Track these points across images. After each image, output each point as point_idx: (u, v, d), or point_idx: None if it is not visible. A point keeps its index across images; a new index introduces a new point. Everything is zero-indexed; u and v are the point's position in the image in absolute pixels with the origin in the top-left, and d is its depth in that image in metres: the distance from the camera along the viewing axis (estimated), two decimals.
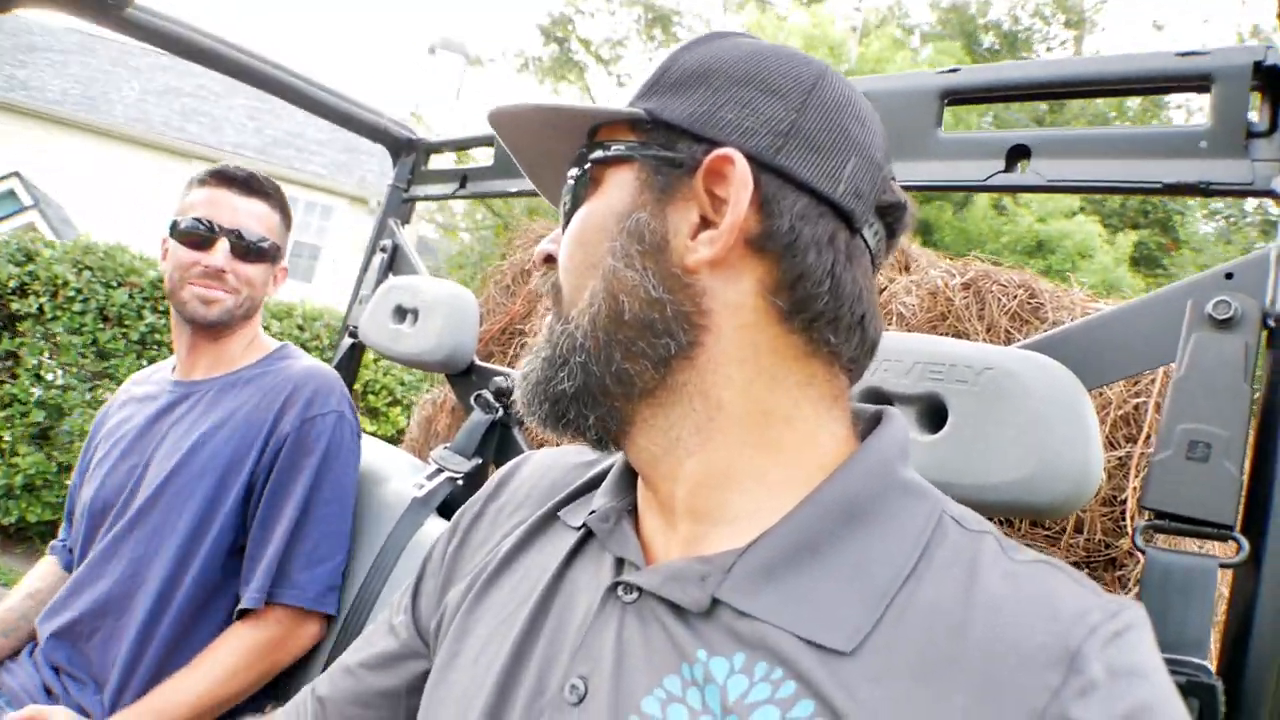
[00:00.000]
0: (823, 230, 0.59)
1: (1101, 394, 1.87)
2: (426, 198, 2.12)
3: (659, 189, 0.61)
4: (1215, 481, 0.82)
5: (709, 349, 0.59)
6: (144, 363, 5.17)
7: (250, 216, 1.57)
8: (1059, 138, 1.10)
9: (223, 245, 1.53)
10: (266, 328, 5.47)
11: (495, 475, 0.88)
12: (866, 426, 0.65)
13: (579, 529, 0.70)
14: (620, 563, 0.64)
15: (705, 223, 0.60)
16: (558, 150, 0.70)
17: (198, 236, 1.52)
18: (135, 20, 1.56)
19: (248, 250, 1.55)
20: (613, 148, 0.63)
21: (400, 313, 1.76)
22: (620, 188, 0.63)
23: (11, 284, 4.83)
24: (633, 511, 0.69)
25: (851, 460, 0.59)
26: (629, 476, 0.71)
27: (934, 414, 0.93)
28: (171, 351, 1.68)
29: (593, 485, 0.76)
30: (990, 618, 0.50)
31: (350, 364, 2.04)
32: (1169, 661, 0.59)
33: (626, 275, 0.60)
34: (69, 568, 1.64)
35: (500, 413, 1.64)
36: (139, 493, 1.47)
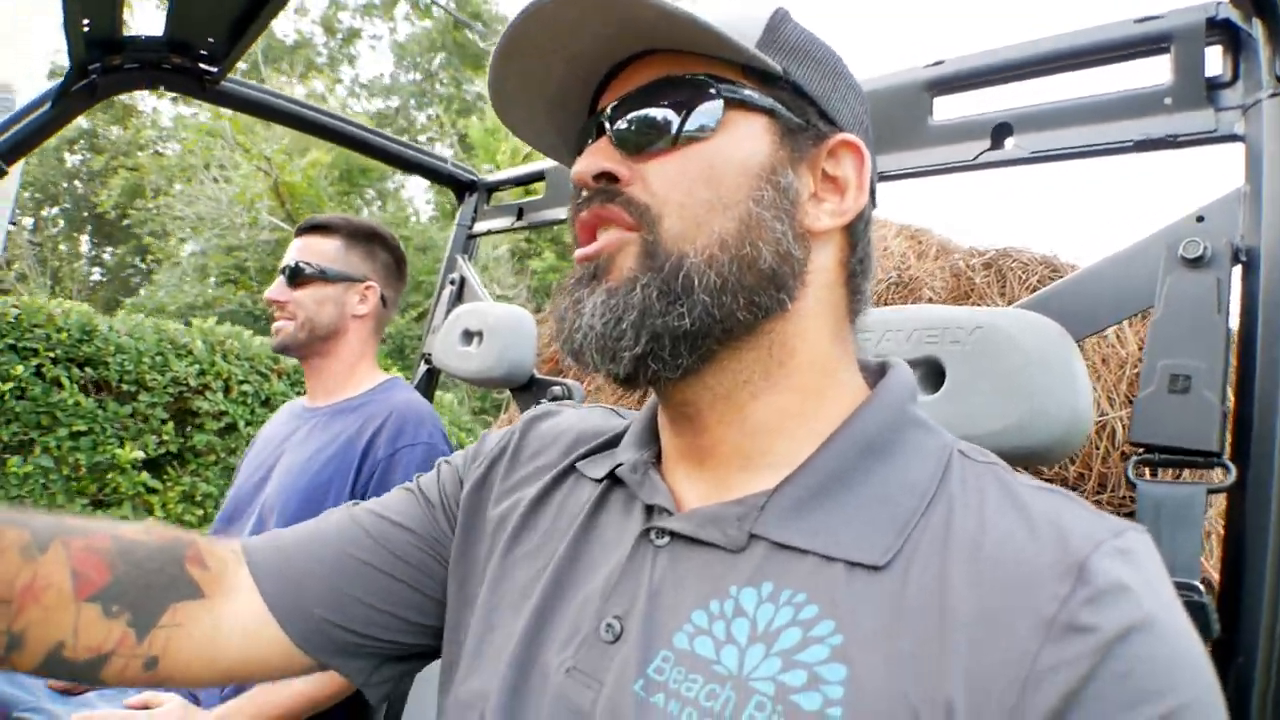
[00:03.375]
0: (869, 210, 0.69)
1: (1120, 350, 1.86)
2: (489, 232, 2.22)
3: (791, 150, 0.62)
4: (1197, 411, 0.83)
5: (799, 305, 0.62)
6: None
7: (300, 250, 1.72)
8: (1037, 112, 1.12)
9: (278, 280, 1.70)
10: None
11: (522, 419, 0.86)
12: (874, 376, 0.69)
13: (600, 480, 0.71)
14: (650, 510, 0.65)
15: (813, 194, 0.64)
16: (574, 67, 0.65)
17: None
18: (227, 92, 1.70)
19: (294, 277, 1.69)
20: (745, 92, 0.62)
21: (467, 336, 1.85)
22: (753, 138, 0.62)
23: (192, 382, 5.00)
24: (656, 464, 0.69)
25: (869, 401, 0.63)
26: (652, 430, 0.72)
27: (934, 375, 0.96)
28: None
29: (611, 443, 0.76)
30: (1001, 538, 0.51)
31: (428, 389, 2.15)
32: None
33: (772, 226, 0.60)
34: None
35: None
36: (257, 502, 1.59)
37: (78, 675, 0.66)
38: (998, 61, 1.17)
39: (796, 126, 0.63)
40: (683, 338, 0.58)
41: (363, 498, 1.53)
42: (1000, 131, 1.16)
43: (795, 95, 0.63)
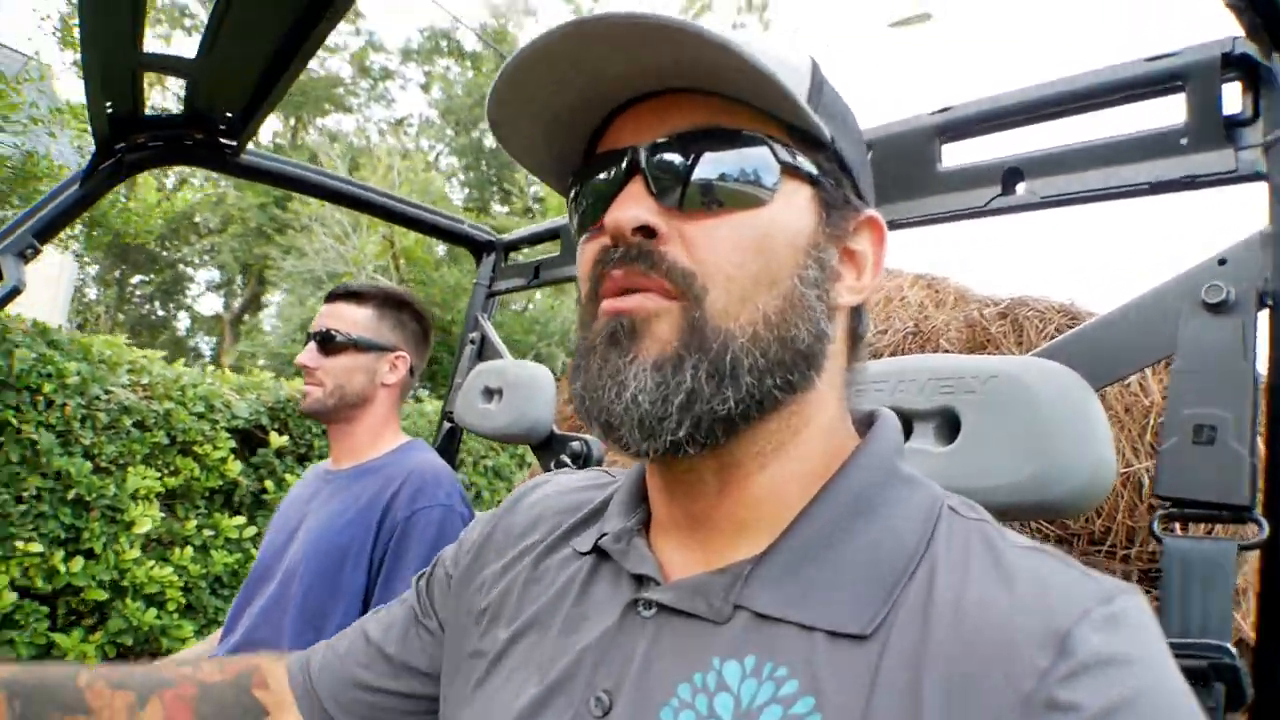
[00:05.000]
0: None
1: (1144, 399, 1.79)
2: (508, 290, 2.23)
3: (828, 225, 0.60)
4: (1225, 463, 0.78)
5: (820, 378, 0.59)
6: None
7: (331, 317, 1.71)
8: (1048, 156, 1.08)
9: (309, 346, 1.69)
10: None
11: (508, 499, 0.83)
12: (862, 426, 0.65)
13: (589, 553, 0.68)
14: (638, 580, 0.62)
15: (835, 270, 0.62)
16: (588, 106, 0.61)
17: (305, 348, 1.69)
18: (247, 165, 1.73)
19: (325, 344, 1.68)
20: (798, 159, 0.58)
21: (488, 393, 1.83)
22: (801, 209, 0.58)
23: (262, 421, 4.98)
24: (643, 530, 0.66)
25: (856, 456, 0.60)
26: (638, 495, 0.69)
27: (949, 426, 0.92)
28: None
29: (599, 511, 0.73)
30: (983, 604, 0.48)
31: (450, 447, 2.13)
32: (1191, 646, 0.56)
33: (813, 305, 0.57)
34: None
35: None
36: (282, 562, 1.59)
37: None
38: (1006, 105, 1.14)
39: (837, 200, 0.60)
40: (721, 420, 0.54)
41: (382, 559, 1.52)
42: (1011, 176, 1.12)
43: (837, 166, 0.60)
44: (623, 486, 0.72)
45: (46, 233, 1.47)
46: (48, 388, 3.89)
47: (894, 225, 1.23)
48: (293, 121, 21.69)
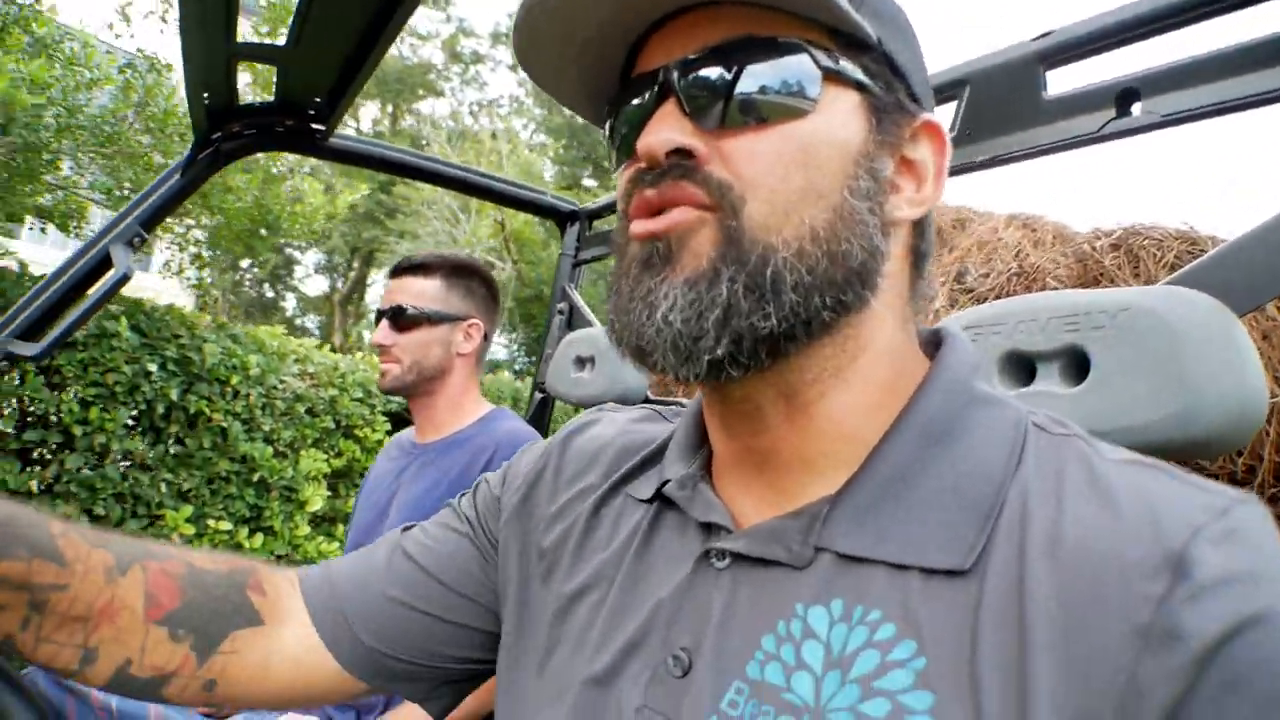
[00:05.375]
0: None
1: None
2: (594, 259, 2.22)
3: (880, 133, 0.55)
4: None
5: (876, 298, 0.55)
6: None
7: (401, 292, 1.72)
8: (1166, 72, 1.01)
9: (382, 324, 1.70)
10: None
11: (559, 435, 0.79)
12: (929, 348, 0.61)
13: (649, 501, 0.64)
14: (707, 528, 0.58)
15: (891, 181, 0.57)
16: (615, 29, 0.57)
17: (376, 325, 1.72)
18: (335, 148, 1.76)
19: (397, 320, 1.69)
20: (841, 64, 0.53)
21: (579, 362, 1.84)
22: (847, 117, 0.54)
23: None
24: (706, 474, 0.63)
25: (928, 381, 0.56)
26: (698, 436, 0.66)
27: (1077, 366, 0.87)
28: None
29: (655, 455, 0.69)
30: (1083, 528, 0.44)
31: (542, 418, 2.15)
32: None
33: (865, 219, 0.53)
34: None
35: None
36: (375, 539, 1.60)
37: (141, 693, 0.67)
38: (1114, 23, 1.07)
39: (888, 105, 0.56)
40: (764, 339, 0.50)
41: None
42: (1126, 98, 1.05)
43: (887, 69, 0.56)
44: (680, 426, 0.68)
45: (153, 221, 1.53)
46: (235, 379, 4.24)
47: (999, 160, 1.17)
48: (390, 108, 22.27)
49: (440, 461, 1.65)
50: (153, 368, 3.93)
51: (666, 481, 0.63)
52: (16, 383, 3.60)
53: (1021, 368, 0.90)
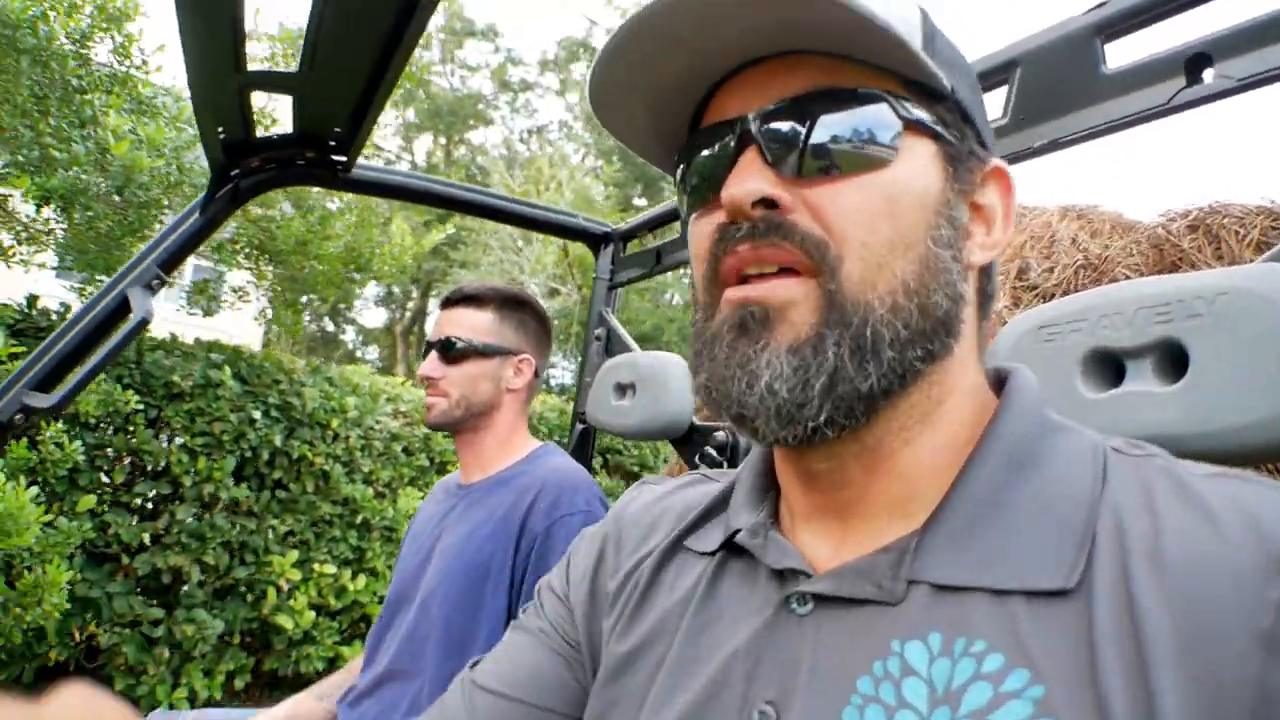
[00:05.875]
0: None
1: None
2: (629, 281, 2.15)
3: (955, 180, 0.56)
4: None
5: (958, 343, 0.56)
6: None
7: (451, 324, 1.64)
8: (1241, 30, 0.91)
9: (431, 355, 1.62)
10: None
11: (612, 515, 0.79)
12: (994, 385, 0.61)
13: (712, 553, 0.63)
14: (779, 575, 0.57)
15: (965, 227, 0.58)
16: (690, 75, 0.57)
17: (423, 357, 1.64)
18: (358, 179, 1.71)
19: (446, 353, 1.61)
20: (917, 113, 0.54)
21: (620, 389, 1.75)
22: (925, 165, 0.54)
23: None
24: (774, 523, 0.62)
25: (1002, 412, 0.56)
26: (763, 486, 0.65)
27: (1173, 360, 0.77)
28: None
29: (713, 511, 0.69)
30: (1183, 539, 0.43)
31: (584, 449, 2.07)
32: None
33: (948, 266, 0.54)
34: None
35: (724, 467, 1.57)
36: (419, 585, 1.52)
37: None
38: None
39: (962, 153, 0.56)
40: (863, 398, 0.51)
41: (522, 575, 1.44)
42: (1196, 64, 0.95)
43: (959, 117, 0.57)
44: (744, 478, 0.68)
45: (171, 263, 1.49)
46: (334, 422, 4.38)
47: (1058, 145, 1.08)
48: (443, 140, 22.94)
49: (486, 501, 1.56)
50: (256, 415, 4.08)
51: (736, 531, 0.62)
52: (129, 436, 3.72)
53: (1108, 367, 0.80)
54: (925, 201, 0.53)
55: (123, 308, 1.46)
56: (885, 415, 0.53)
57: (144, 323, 1.42)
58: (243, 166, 1.48)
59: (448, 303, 1.69)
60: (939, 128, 0.55)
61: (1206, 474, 0.48)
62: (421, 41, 1.22)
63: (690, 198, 0.60)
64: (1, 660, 3.61)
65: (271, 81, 1.23)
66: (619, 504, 0.80)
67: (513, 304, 1.70)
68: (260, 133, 1.41)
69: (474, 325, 1.65)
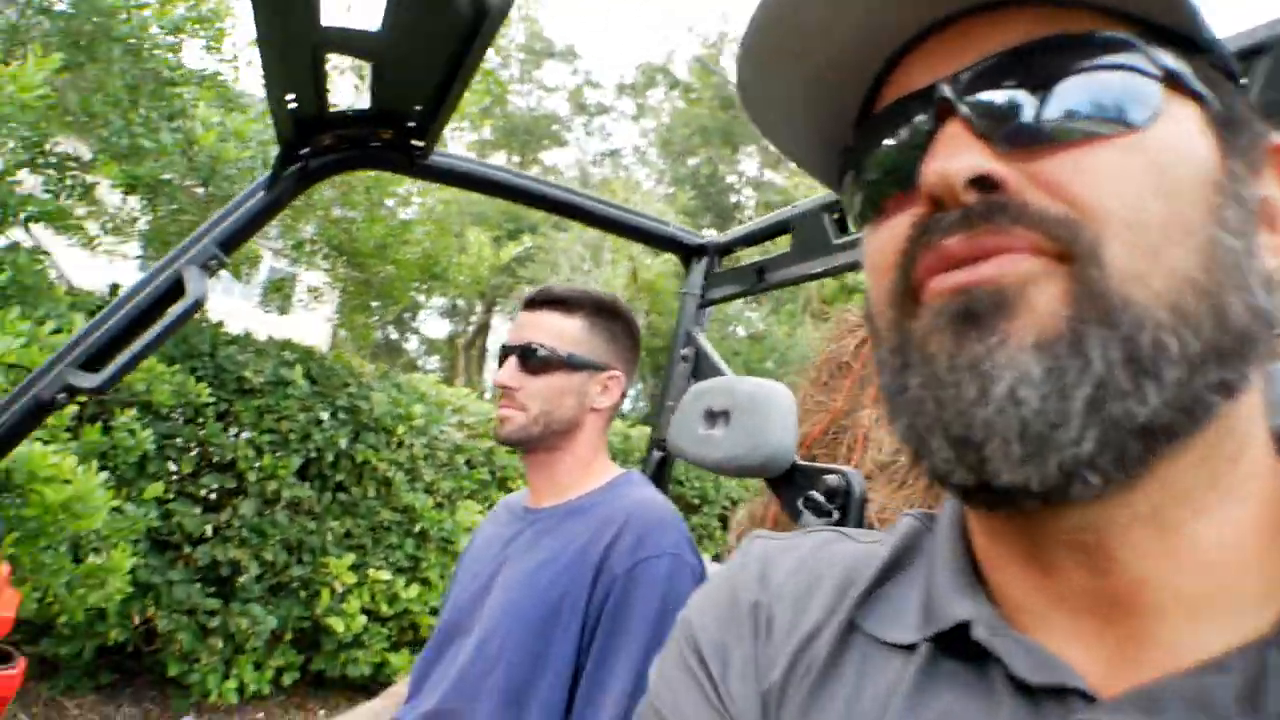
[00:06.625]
0: None
1: None
2: (724, 299, 1.94)
3: (1232, 154, 0.42)
4: None
5: (1255, 378, 0.41)
6: None
7: (535, 329, 1.43)
8: None
9: (509, 362, 1.42)
10: None
11: (750, 567, 0.61)
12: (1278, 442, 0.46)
13: (907, 647, 0.48)
14: (1030, 692, 0.41)
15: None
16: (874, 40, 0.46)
17: (500, 362, 1.44)
18: (437, 166, 1.54)
19: (527, 361, 1.40)
20: (1174, 64, 0.41)
21: (710, 416, 1.54)
22: (1193, 132, 0.41)
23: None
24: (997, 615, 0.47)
25: None
26: (970, 563, 0.50)
27: None
28: None
29: (877, 586, 0.54)
30: None
31: (661, 481, 1.86)
32: None
33: (1241, 263, 0.39)
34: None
35: (835, 517, 1.35)
36: (478, 616, 1.33)
37: None
38: None
39: (1236, 121, 0.42)
40: (1137, 434, 0.37)
41: (596, 620, 1.22)
42: None
43: (1223, 76, 0.43)
44: (942, 549, 0.52)
45: (231, 243, 1.34)
46: (400, 429, 4.43)
47: None
48: (517, 159, 23.54)
49: (558, 531, 1.35)
50: (324, 416, 4.12)
51: (964, 624, 0.46)
52: (199, 428, 3.80)
53: None
54: (1197, 173, 0.40)
55: (176, 288, 1.32)
56: (1165, 468, 0.39)
57: (197, 304, 1.28)
58: (313, 144, 1.32)
59: (532, 304, 1.48)
60: (1203, 87, 0.42)
61: None
62: (500, 59, 1.05)
63: (863, 203, 0.48)
64: (64, 635, 3.70)
65: (350, 43, 1.06)
66: (755, 563, 0.61)
67: (607, 313, 1.49)
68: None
69: (561, 332, 1.44)
